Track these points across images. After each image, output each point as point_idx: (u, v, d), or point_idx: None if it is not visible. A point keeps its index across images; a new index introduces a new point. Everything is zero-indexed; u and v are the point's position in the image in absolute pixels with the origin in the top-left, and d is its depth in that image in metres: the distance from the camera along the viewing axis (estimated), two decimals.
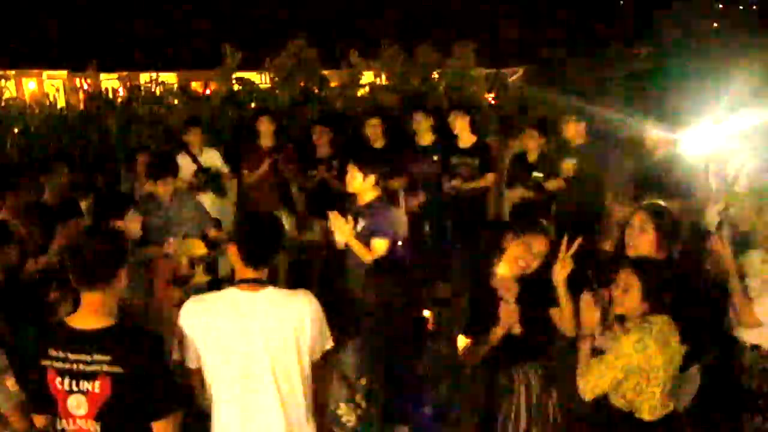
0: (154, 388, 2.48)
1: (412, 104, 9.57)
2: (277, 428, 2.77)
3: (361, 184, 4.41)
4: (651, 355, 3.03)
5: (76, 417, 2.48)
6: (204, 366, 2.77)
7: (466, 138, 6.58)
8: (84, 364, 2.43)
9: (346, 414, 2.76)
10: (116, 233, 2.86)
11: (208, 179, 6.45)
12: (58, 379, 2.46)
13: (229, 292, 2.76)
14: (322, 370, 2.91)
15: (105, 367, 2.42)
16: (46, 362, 2.47)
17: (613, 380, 3.07)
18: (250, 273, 2.75)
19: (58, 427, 2.53)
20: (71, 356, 2.44)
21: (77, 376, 2.44)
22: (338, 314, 3.44)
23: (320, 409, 2.88)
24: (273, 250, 2.84)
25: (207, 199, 6.35)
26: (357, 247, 4.31)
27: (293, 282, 5.78)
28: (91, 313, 2.51)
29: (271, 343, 2.72)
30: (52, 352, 2.46)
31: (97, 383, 2.43)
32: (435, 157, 6.63)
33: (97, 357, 2.42)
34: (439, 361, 2.76)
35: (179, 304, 2.83)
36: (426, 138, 6.73)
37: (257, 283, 2.75)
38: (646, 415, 3.10)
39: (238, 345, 2.71)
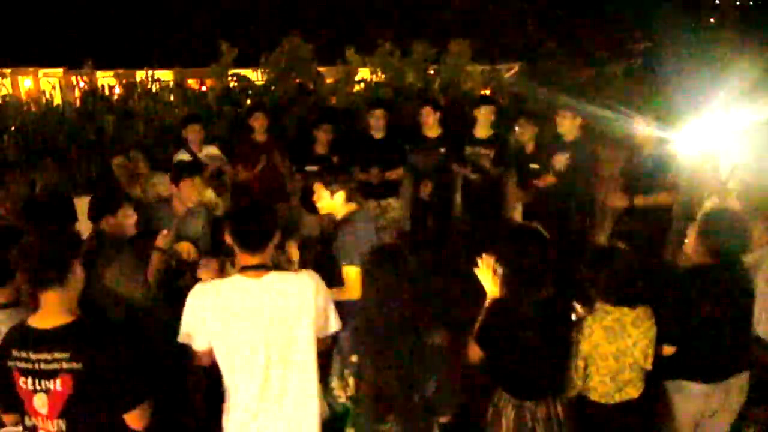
0: (118, 382, 2.50)
1: (408, 99, 9.66)
2: (294, 406, 2.83)
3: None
4: (597, 341, 3.13)
5: (43, 416, 2.51)
6: (215, 350, 2.78)
7: (484, 129, 6.63)
8: (45, 363, 2.45)
9: (337, 389, 2.82)
10: (62, 232, 2.85)
11: (212, 176, 6.44)
12: (22, 379, 2.48)
13: (236, 279, 2.79)
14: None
15: (65, 365, 2.43)
16: (10, 363, 2.49)
17: (578, 369, 3.17)
18: (251, 260, 2.78)
19: (28, 424, 2.56)
20: (33, 356, 2.46)
21: (39, 375, 2.46)
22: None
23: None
24: (268, 233, 2.83)
25: (209, 196, 6.36)
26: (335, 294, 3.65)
27: None
28: (49, 313, 2.52)
29: (280, 326, 2.76)
30: (15, 353, 2.49)
31: (58, 381, 2.45)
32: (442, 150, 6.69)
33: (57, 355, 2.44)
34: (431, 352, 2.78)
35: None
36: (433, 131, 6.79)
37: (260, 269, 2.77)
38: (598, 398, 3.19)
39: (248, 329, 2.74)
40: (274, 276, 2.79)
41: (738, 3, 16.53)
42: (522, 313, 3.02)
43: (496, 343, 3.10)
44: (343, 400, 2.82)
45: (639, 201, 5.40)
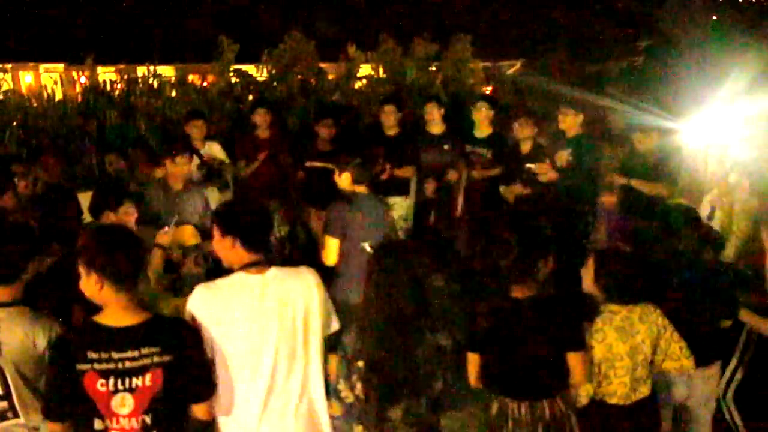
0: (200, 372, 2.54)
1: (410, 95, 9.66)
2: (300, 406, 2.79)
3: (339, 180, 4.52)
4: (611, 344, 3.13)
5: (120, 416, 2.41)
6: (215, 352, 2.70)
7: (483, 128, 6.63)
8: (131, 361, 2.37)
9: (344, 391, 2.81)
10: (125, 230, 2.73)
11: (211, 173, 6.42)
12: (101, 380, 2.37)
13: (238, 277, 2.75)
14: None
15: (155, 359, 2.39)
16: (85, 366, 2.36)
17: (592, 376, 3.15)
18: (252, 257, 2.75)
19: (99, 427, 2.41)
20: (115, 355, 2.37)
21: (124, 374, 2.38)
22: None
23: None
24: (268, 231, 2.92)
25: (210, 193, 6.34)
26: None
27: None
28: (121, 311, 2.44)
29: (286, 321, 2.73)
30: (92, 354, 2.36)
31: (147, 377, 2.39)
32: (446, 147, 6.67)
33: (145, 350, 2.38)
34: (437, 353, 2.76)
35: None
36: (437, 127, 6.78)
37: (261, 265, 2.75)
38: (617, 400, 3.18)
39: (255, 327, 2.70)
40: (275, 271, 2.77)
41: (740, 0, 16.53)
42: (505, 310, 3.03)
43: (484, 341, 3.10)
44: (350, 400, 2.80)
45: (636, 183, 5.51)
